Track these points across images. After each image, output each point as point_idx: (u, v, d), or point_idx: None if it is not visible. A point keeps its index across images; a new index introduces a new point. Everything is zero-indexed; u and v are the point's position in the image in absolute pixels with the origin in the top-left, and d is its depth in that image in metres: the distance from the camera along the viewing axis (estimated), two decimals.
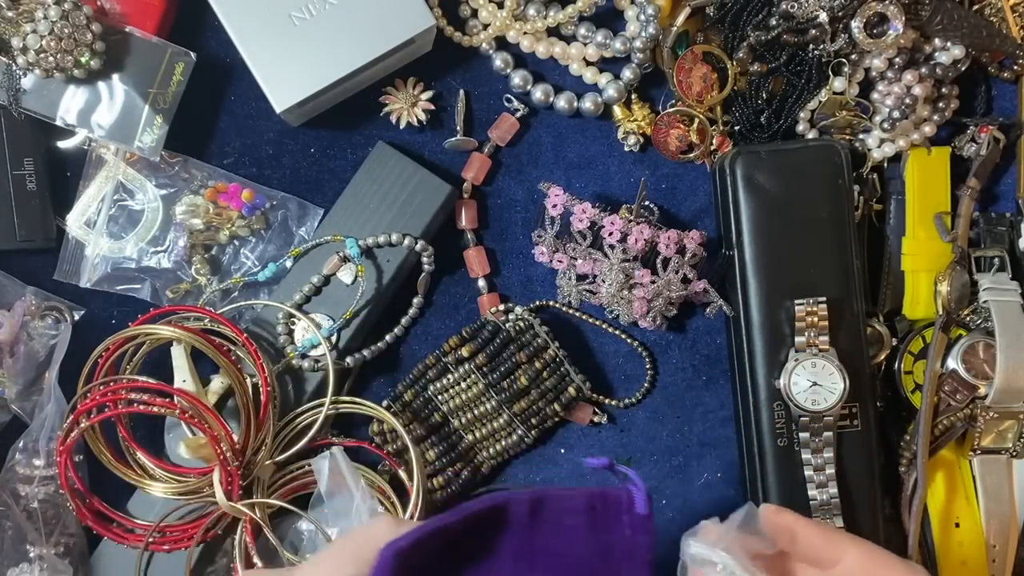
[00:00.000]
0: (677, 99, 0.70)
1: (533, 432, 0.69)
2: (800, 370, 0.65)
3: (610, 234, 0.66)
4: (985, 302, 0.68)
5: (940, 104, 0.71)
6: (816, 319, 0.65)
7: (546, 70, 0.72)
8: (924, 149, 0.71)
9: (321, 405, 0.66)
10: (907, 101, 0.68)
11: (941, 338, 0.68)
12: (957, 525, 0.69)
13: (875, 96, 0.70)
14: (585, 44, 0.71)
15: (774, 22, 0.67)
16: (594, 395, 0.71)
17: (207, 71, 0.69)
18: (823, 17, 0.66)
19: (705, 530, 0.49)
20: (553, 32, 0.71)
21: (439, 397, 0.69)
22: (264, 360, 0.65)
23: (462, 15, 0.71)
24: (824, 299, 0.65)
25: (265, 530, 0.64)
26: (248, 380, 0.65)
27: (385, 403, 0.69)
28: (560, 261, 0.68)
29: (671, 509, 0.71)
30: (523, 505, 0.48)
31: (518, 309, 0.71)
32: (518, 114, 0.71)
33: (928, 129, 0.71)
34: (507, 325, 0.69)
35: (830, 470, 0.65)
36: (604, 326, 0.72)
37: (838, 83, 0.69)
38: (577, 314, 0.72)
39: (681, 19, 0.69)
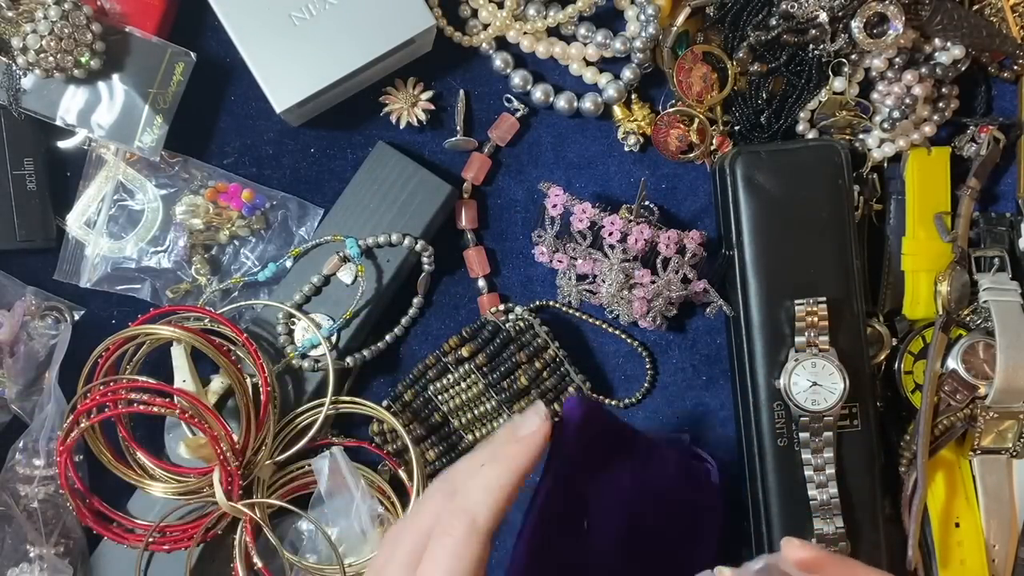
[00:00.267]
0: (677, 99, 0.70)
1: None
2: (800, 370, 0.65)
3: (610, 234, 0.66)
4: (985, 302, 0.68)
5: (940, 104, 0.71)
6: (816, 319, 0.65)
7: (546, 70, 0.72)
8: (924, 149, 0.71)
9: (321, 405, 0.66)
10: (907, 101, 0.68)
11: (941, 338, 0.68)
12: (957, 525, 0.69)
13: (875, 96, 0.70)
14: (585, 44, 0.71)
15: (774, 22, 0.67)
16: (594, 395, 0.71)
17: (207, 71, 0.69)
18: (823, 17, 0.66)
19: None
20: (553, 32, 0.71)
21: (439, 397, 0.69)
22: (264, 360, 0.65)
23: (462, 15, 0.71)
24: (824, 299, 0.65)
25: (265, 530, 0.64)
26: (248, 380, 0.65)
27: (385, 403, 0.69)
28: (560, 261, 0.68)
29: None
30: (644, 444, 0.60)
31: (518, 309, 0.70)
32: (518, 114, 0.71)
33: (928, 129, 0.71)
34: (507, 325, 0.69)
35: (830, 470, 0.65)
36: (604, 326, 0.72)
37: (838, 83, 0.68)
38: (577, 314, 0.72)
39: (681, 19, 0.69)
